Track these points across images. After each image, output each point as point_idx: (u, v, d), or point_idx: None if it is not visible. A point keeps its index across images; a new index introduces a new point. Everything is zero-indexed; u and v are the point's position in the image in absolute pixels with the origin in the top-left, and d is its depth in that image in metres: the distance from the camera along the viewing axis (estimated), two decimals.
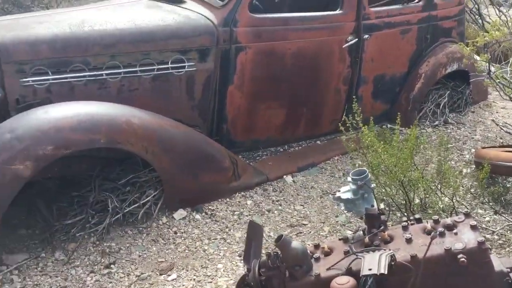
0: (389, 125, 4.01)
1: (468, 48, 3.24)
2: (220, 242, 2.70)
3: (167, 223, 2.82)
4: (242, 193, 3.13)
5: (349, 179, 2.21)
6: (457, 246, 1.52)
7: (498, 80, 2.85)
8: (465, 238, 1.56)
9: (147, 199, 2.80)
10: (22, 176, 2.27)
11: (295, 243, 1.64)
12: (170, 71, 3.03)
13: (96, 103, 2.67)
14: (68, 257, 2.53)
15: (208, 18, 3.13)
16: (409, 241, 1.62)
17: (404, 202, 2.71)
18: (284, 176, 3.34)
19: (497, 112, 4.37)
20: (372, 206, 2.13)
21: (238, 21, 3.11)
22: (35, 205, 2.82)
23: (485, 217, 2.84)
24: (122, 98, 2.89)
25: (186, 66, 3.07)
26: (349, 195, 2.15)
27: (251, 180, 3.22)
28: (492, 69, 3.40)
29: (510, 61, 2.91)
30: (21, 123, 2.38)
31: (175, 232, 2.76)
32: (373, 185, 2.22)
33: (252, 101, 3.32)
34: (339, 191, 2.27)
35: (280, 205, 3.06)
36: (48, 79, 2.72)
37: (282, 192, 3.19)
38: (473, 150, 3.64)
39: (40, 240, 2.67)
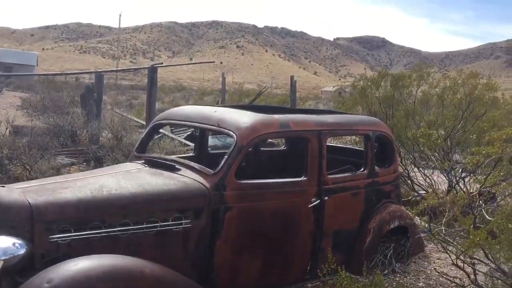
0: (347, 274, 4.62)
1: (412, 212, 4.05)
2: None
3: None
4: None
5: None
6: None
7: (437, 236, 3.61)
8: None
9: None
10: None
11: None
12: (170, 227, 3.58)
13: (115, 256, 3.13)
14: None
15: (202, 184, 3.80)
16: None
17: None
18: None
19: (434, 262, 5.13)
20: None
21: (226, 186, 3.80)
22: None
23: None
24: (130, 250, 3.36)
25: (183, 223, 3.64)
26: None
27: None
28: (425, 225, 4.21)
29: (444, 220, 3.69)
30: (56, 274, 2.78)
31: None
32: None
33: (236, 253, 3.87)
34: None
35: None
36: (70, 236, 3.18)
37: None
38: None
39: None
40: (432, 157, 7.61)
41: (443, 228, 3.59)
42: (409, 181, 7.37)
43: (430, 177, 7.35)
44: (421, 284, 4.62)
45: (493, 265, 3.19)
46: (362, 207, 4.82)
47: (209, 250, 3.77)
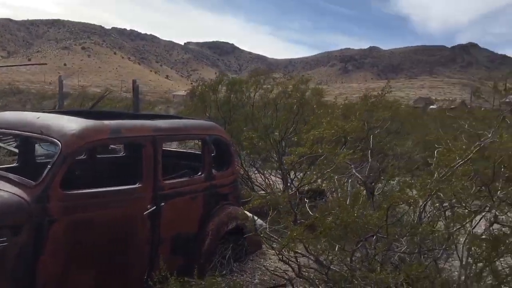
0: (186, 278, 4.63)
1: (244, 210, 4.21)
2: None
3: None
4: None
5: None
6: None
7: (262, 235, 3.81)
8: None
9: None
10: None
11: None
12: None
13: None
14: None
15: (20, 197, 3.47)
16: None
17: None
18: None
19: (270, 259, 5.41)
20: None
21: (50, 197, 3.53)
22: None
23: None
24: None
25: None
26: None
27: None
28: (262, 223, 4.42)
29: (269, 218, 3.90)
30: None
31: None
32: None
33: (65, 268, 3.61)
34: None
35: None
36: None
37: None
38: None
39: None
40: (271, 158, 8.02)
41: (267, 226, 3.81)
42: (249, 182, 7.68)
43: (268, 177, 7.75)
44: (256, 280, 4.83)
45: (312, 257, 3.47)
46: (201, 210, 4.87)
47: (32, 267, 3.47)
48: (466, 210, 3.26)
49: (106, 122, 4.14)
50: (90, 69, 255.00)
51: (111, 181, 4.66)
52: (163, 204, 4.33)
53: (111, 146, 9.34)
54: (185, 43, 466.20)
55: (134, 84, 9.92)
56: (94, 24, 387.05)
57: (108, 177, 5.37)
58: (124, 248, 4.06)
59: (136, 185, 4.19)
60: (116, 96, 35.40)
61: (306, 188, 6.46)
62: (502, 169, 3.46)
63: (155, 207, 4.24)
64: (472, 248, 3.35)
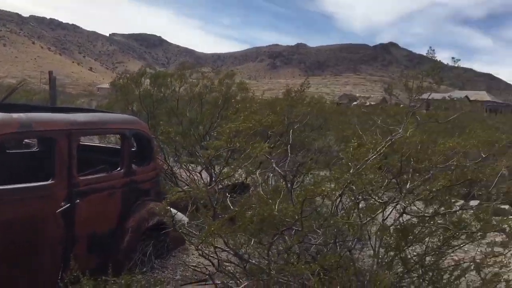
0: (104, 277, 4.47)
1: (163, 204, 4.12)
2: None
3: None
4: None
5: None
6: None
7: (181, 230, 3.77)
8: None
9: None
10: None
11: None
12: None
13: None
14: None
15: None
16: None
17: None
18: None
19: (192, 254, 5.37)
20: None
21: None
22: None
23: None
24: None
25: None
26: None
27: None
28: (183, 217, 4.35)
29: (187, 213, 3.84)
30: None
31: None
32: None
33: None
34: None
35: None
36: None
37: None
38: None
39: None
40: (196, 153, 7.94)
41: (186, 221, 3.77)
42: (173, 178, 7.56)
43: (193, 172, 7.67)
44: (178, 276, 4.77)
45: (231, 252, 3.48)
46: (119, 207, 4.73)
47: None
48: (377, 202, 3.42)
49: (15, 115, 3.90)
50: (6, 59, 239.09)
51: (23, 177, 4.40)
52: (78, 201, 4.15)
53: (25, 141, 8.83)
54: (110, 34, 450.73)
55: (50, 76, 9.40)
56: (10, 11, 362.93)
57: (20, 173, 5.07)
58: (35, 248, 3.85)
59: (49, 182, 3.99)
60: (34, 88, 33.49)
61: (230, 182, 6.47)
62: (412, 162, 3.66)
63: (69, 204, 4.06)
64: (383, 238, 3.51)
